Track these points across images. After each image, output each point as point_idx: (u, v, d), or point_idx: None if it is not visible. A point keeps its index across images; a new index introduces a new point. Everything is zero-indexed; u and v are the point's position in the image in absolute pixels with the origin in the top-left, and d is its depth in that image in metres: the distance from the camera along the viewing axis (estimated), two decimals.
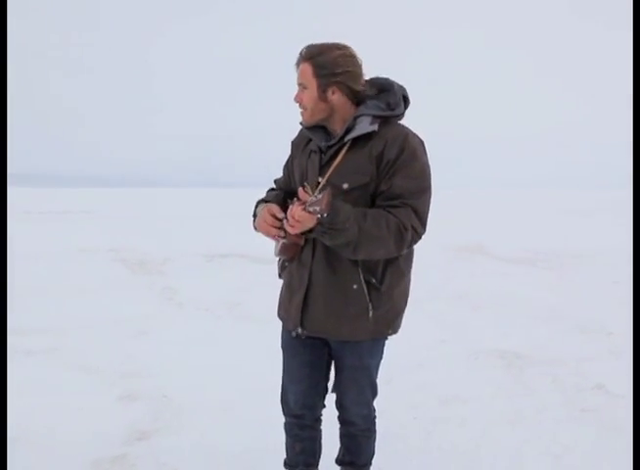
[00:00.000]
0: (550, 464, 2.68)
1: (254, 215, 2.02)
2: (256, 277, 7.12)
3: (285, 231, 1.87)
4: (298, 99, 1.89)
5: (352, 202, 1.80)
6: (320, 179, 1.88)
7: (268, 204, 1.97)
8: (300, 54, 1.84)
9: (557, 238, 11.90)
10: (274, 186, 2.22)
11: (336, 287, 1.91)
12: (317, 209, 1.65)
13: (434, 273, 7.35)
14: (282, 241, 1.92)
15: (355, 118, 1.84)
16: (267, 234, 1.92)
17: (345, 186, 1.83)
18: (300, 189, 1.73)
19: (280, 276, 2.17)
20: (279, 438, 2.52)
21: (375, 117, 1.85)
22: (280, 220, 1.88)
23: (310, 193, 1.74)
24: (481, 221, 16.26)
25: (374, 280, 1.90)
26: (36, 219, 17.16)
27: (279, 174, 2.25)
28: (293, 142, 2.13)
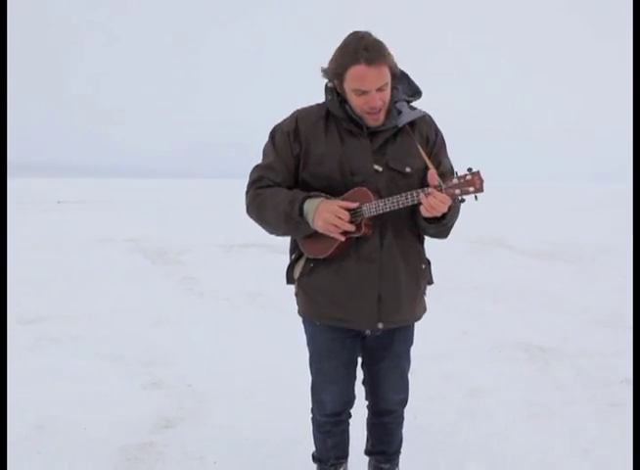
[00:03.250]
0: (579, 458, 2.64)
1: (301, 214, 1.80)
2: (275, 267, 7.05)
3: (357, 225, 1.80)
4: (381, 100, 1.77)
5: (413, 184, 1.83)
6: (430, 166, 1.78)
7: (323, 198, 1.81)
8: (375, 54, 1.70)
9: (575, 231, 11.79)
10: (267, 183, 1.91)
11: (410, 272, 1.94)
12: (470, 189, 1.64)
13: (453, 265, 7.30)
14: (347, 236, 1.80)
15: (394, 103, 1.86)
16: (336, 230, 1.77)
17: (408, 170, 1.86)
18: (433, 173, 1.68)
19: (291, 281, 2.03)
20: (302, 427, 2.50)
21: (407, 101, 1.92)
22: (352, 213, 1.79)
23: (437, 177, 1.68)
24: (500, 214, 16.15)
25: (426, 256, 2.04)
26: (55, 209, 17.33)
27: None
28: (293, 131, 1.90)
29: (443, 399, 3.24)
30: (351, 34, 1.76)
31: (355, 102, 1.79)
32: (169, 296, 5.71)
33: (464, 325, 4.70)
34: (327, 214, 1.75)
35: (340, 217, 1.75)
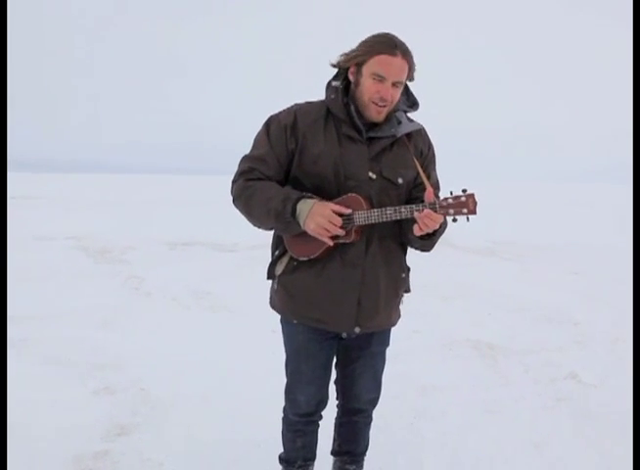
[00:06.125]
0: (531, 453, 2.74)
1: (293, 213, 1.78)
2: (221, 266, 7.05)
3: (347, 231, 1.79)
4: (391, 96, 1.79)
5: (401, 196, 1.89)
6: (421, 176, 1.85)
7: (316, 200, 1.79)
8: (401, 48, 1.76)
9: (515, 230, 12.18)
10: (257, 176, 1.87)
11: (390, 279, 1.96)
12: (464, 210, 1.66)
13: None
14: (336, 241, 1.80)
15: (395, 112, 1.89)
16: (327, 234, 1.77)
17: (400, 181, 1.88)
18: (430, 192, 1.70)
19: (272, 277, 2.02)
20: (262, 429, 2.49)
21: (404, 112, 1.95)
22: (344, 219, 1.78)
23: (433, 196, 1.70)
24: None
25: (407, 264, 2.06)
26: None
27: None
28: (291, 126, 1.86)
29: (398, 398, 3.28)
30: (382, 33, 1.80)
31: (368, 87, 1.79)
32: (116, 296, 5.54)
33: (414, 324, 4.75)
34: (320, 218, 1.74)
35: (332, 222, 1.75)
